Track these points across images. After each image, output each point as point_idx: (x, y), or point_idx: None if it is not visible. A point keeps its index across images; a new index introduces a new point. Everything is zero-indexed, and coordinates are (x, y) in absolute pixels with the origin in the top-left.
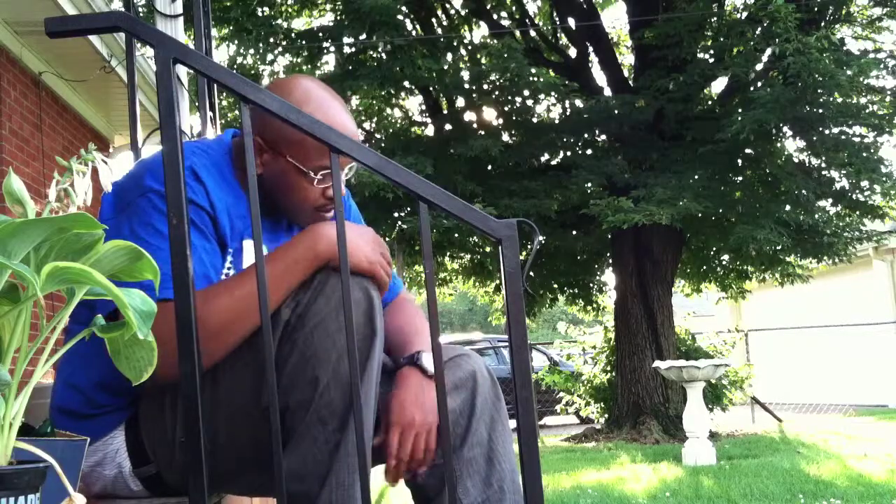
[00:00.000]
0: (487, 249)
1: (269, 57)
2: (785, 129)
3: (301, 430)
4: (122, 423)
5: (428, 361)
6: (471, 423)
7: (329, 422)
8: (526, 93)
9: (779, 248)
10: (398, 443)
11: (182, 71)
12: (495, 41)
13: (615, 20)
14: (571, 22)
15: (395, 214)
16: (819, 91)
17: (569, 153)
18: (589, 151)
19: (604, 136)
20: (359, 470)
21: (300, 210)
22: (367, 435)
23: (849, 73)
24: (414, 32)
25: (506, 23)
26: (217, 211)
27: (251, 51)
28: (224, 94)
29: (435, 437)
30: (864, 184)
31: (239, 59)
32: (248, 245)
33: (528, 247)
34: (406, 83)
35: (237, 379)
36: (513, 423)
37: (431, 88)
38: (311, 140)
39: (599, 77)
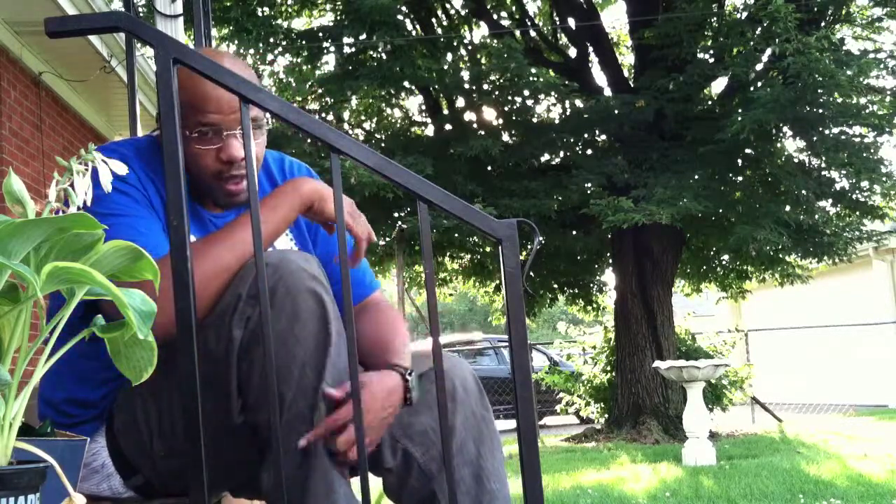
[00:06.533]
0: (487, 249)
1: (269, 57)
2: (785, 129)
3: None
4: (102, 433)
5: (412, 378)
6: (451, 444)
7: (301, 436)
8: (526, 93)
9: (779, 248)
10: (342, 415)
11: None
12: (495, 41)
13: (615, 20)
14: (571, 22)
15: (395, 214)
16: (819, 91)
17: (569, 153)
18: (589, 151)
19: (604, 136)
20: (360, 477)
21: (204, 183)
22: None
23: (849, 73)
24: (414, 32)
25: (506, 23)
26: (151, 201)
27: (251, 51)
28: None
29: (377, 437)
30: (864, 184)
31: None
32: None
33: (528, 247)
34: (406, 83)
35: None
36: (513, 424)
37: (431, 88)
38: (187, 99)
39: (599, 77)
